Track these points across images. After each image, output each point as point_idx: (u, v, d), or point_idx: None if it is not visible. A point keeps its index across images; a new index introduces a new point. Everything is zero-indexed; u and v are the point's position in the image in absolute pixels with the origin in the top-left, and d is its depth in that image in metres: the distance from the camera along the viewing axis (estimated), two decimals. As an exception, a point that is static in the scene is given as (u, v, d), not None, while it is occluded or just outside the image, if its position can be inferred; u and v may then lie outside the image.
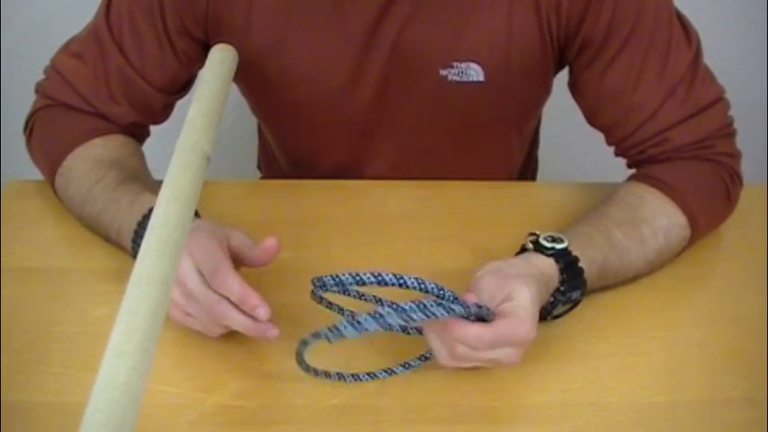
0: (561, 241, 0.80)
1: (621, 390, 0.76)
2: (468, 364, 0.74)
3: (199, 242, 0.74)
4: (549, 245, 0.80)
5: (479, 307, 0.70)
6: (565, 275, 0.78)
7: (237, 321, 0.74)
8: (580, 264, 0.79)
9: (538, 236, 0.81)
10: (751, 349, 0.80)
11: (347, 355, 0.77)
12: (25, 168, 0.99)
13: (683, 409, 0.74)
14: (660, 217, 0.86)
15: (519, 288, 0.73)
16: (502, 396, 0.75)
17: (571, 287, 0.79)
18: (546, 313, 0.79)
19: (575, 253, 0.80)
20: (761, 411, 0.74)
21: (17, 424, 0.72)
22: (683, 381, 0.77)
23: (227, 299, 0.73)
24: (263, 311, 0.73)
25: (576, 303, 0.81)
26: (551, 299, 0.78)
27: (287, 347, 0.78)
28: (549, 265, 0.79)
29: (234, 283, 0.73)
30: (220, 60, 0.86)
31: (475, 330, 0.70)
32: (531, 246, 0.80)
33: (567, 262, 0.79)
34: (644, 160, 0.92)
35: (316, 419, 0.72)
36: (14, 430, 0.71)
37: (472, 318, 0.71)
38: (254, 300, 0.73)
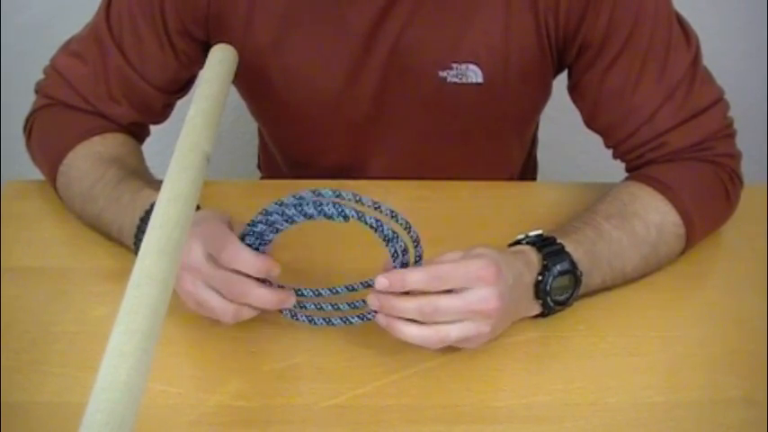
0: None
1: (621, 390, 0.76)
2: (450, 330, 0.72)
3: (207, 227, 0.74)
4: (522, 236, 0.81)
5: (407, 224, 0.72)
6: (543, 252, 0.78)
7: (259, 296, 0.73)
8: (558, 241, 0.80)
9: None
10: (751, 349, 0.80)
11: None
12: (25, 168, 0.99)
13: (682, 409, 0.74)
14: (653, 213, 0.86)
15: (477, 247, 0.75)
16: (502, 396, 0.75)
17: (554, 261, 0.78)
18: (544, 294, 0.78)
19: (551, 235, 0.81)
20: (761, 411, 0.74)
21: (17, 424, 0.72)
22: (683, 381, 0.77)
23: (243, 275, 0.73)
24: (277, 269, 0.73)
25: (575, 284, 0.79)
26: (539, 277, 0.78)
27: (287, 348, 0.78)
28: (525, 249, 0.79)
29: (245, 254, 0.72)
30: (220, 60, 0.86)
31: (419, 271, 0.71)
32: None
33: (543, 243, 0.79)
34: (642, 165, 0.92)
35: (316, 419, 0.72)
36: (14, 430, 0.71)
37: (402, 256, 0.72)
38: (267, 262, 0.73)
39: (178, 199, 0.66)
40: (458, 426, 0.72)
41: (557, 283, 0.78)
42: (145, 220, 0.80)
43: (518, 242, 0.81)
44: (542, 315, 0.80)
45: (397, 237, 0.71)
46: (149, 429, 0.71)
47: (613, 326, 0.82)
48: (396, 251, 0.72)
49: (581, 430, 0.72)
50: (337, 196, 0.71)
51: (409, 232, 0.73)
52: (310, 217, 0.70)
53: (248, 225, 0.73)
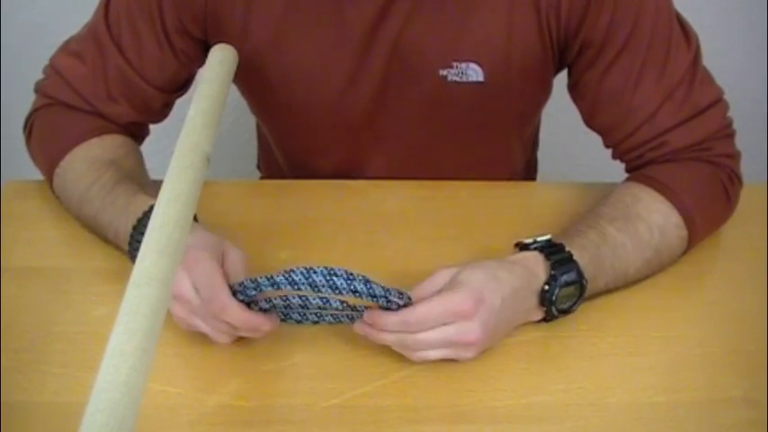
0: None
1: (621, 390, 0.76)
2: (429, 353, 0.74)
3: (198, 262, 0.74)
4: (530, 241, 0.81)
5: (399, 294, 0.72)
6: (551, 260, 0.78)
7: (248, 333, 0.75)
8: (567, 248, 0.80)
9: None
10: (751, 349, 0.80)
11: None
12: (25, 168, 0.99)
13: (683, 409, 0.74)
14: (655, 215, 0.86)
15: (464, 270, 0.75)
16: (502, 396, 0.75)
17: (562, 271, 0.78)
18: (549, 303, 0.78)
19: (560, 242, 0.80)
20: (761, 411, 0.74)
21: (17, 424, 0.72)
22: (683, 381, 0.77)
23: None
24: (267, 327, 0.74)
25: (580, 292, 0.79)
26: (546, 286, 0.78)
27: (287, 348, 0.78)
28: (532, 257, 0.79)
29: (234, 309, 0.73)
30: (220, 60, 0.86)
31: (394, 316, 0.72)
32: (516, 250, 0.82)
33: (551, 250, 0.80)
34: (642, 164, 0.91)
35: (316, 419, 0.72)
36: (14, 430, 0.71)
37: (394, 306, 0.73)
38: (256, 321, 0.73)
39: (178, 199, 0.66)
40: (458, 426, 0.72)
41: (563, 292, 0.78)
42: (138, 227, 0.81)
43: (526, 246, 0.81)
44: (544, 320, 0.80)
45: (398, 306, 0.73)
46: (149, 429, 0.71)
47: (613, 326, 0.82)
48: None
49: (581, 430, 0.72)
50: (330, 273, 0.70)
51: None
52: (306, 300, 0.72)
53: (239, 285, 0.73)
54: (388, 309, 0.73)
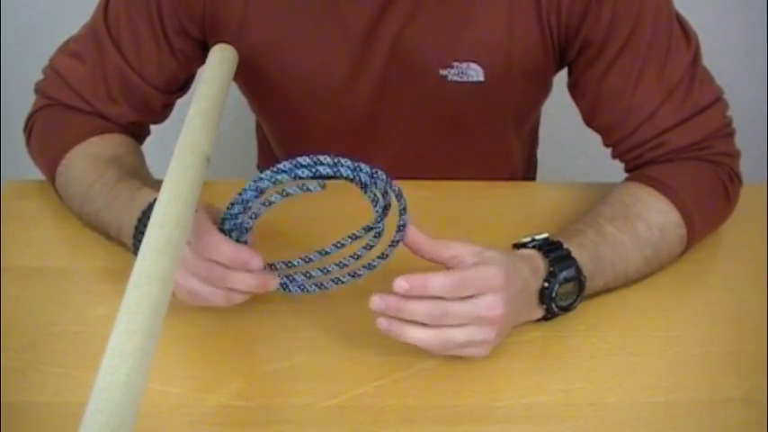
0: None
1: (621, 390, 0.76)
2: (455, 332, 0.72)
3: None
4: (528, 239, 0.81)
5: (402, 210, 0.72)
6: (549, 258, 0.78)
7: (239, 280, 0.73)
8: (565, 246, 0.80)
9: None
10: (751, 349, 0.80)
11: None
12: (25, 168, 0.99)
13: (683, 409, 0.74)
14: (655, 214, 0.86)
15: (489, 251, 0.75)
16: (502, 396, 0.75)
17: (560, 267, 0.78)
18: (549, 300, 0.78)
19: (558, 239, 0.80)
20: (761, 411, 0.74)
21: (17, 424, 0.72)
22: (683, 381, 0.77)
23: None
24: (257, 261, 0.72)
25: (579, 289, 0.79)
26: (545, 283, 0.78)
27: (287, 348, 0.78)
28: (532, 254, 0.79)
29: (221, 244, 0.72)
30: (220, 60, 0.86)
31: (443, 277, 0.71)
32: (514, 250, 0.82)
33: (549, 248, 0.79)
34: (642, 164, 0.91)
35: (316, 419, 0.72)
36: (14, 430, 0.71)
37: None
38: (244, 254, 0.72)
39: (178, 199, 0.66)
40: (458, 426, 0.72)
41: (562, 289, 0.78)
42: (143, 219, 0.80)
43: (524, 245, 0.81)
44: (545, 319, 0.80)
45: (375, 182, 0.71)
46: (149, 429, 0.71)
47: (613, 326, 0.82)
48: (375, 197, 0.72)
49: (581, 430, 0.72)
50: (315, 163, 0.69)
51: (399, 199, 0.74)
52: (288, 194, 0.70)
53: (226, 209, 0.73)
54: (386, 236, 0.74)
